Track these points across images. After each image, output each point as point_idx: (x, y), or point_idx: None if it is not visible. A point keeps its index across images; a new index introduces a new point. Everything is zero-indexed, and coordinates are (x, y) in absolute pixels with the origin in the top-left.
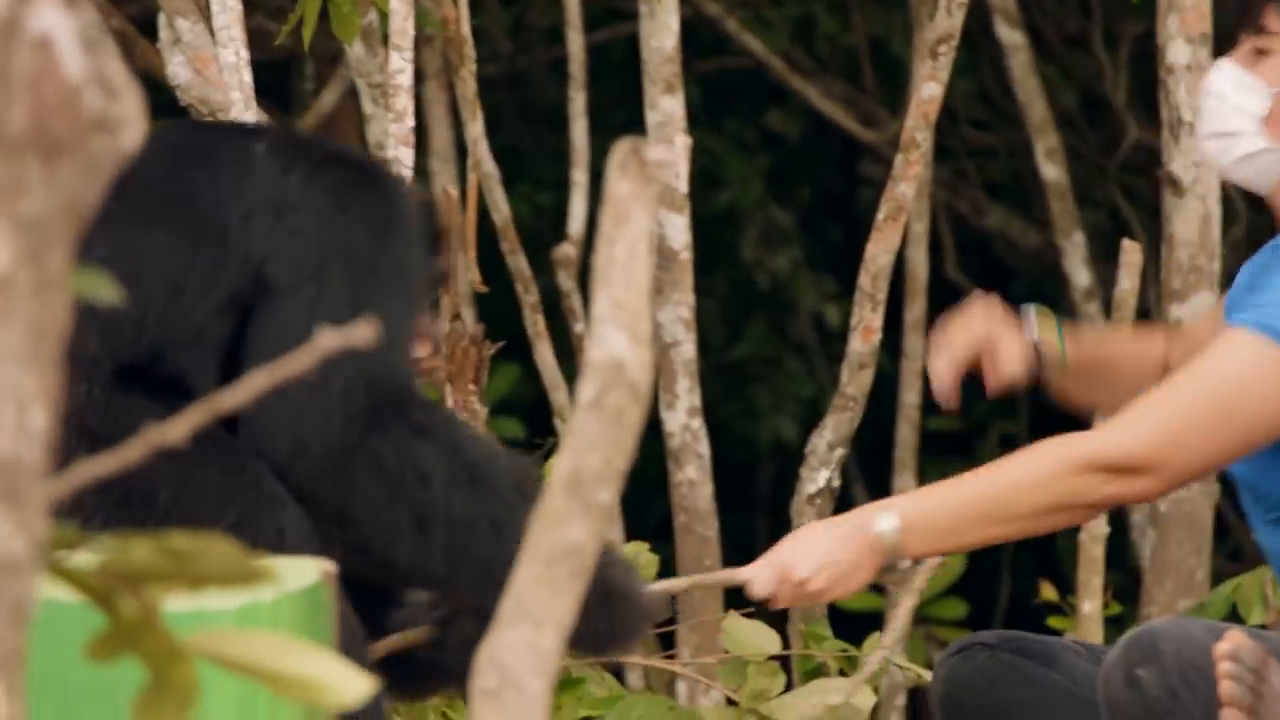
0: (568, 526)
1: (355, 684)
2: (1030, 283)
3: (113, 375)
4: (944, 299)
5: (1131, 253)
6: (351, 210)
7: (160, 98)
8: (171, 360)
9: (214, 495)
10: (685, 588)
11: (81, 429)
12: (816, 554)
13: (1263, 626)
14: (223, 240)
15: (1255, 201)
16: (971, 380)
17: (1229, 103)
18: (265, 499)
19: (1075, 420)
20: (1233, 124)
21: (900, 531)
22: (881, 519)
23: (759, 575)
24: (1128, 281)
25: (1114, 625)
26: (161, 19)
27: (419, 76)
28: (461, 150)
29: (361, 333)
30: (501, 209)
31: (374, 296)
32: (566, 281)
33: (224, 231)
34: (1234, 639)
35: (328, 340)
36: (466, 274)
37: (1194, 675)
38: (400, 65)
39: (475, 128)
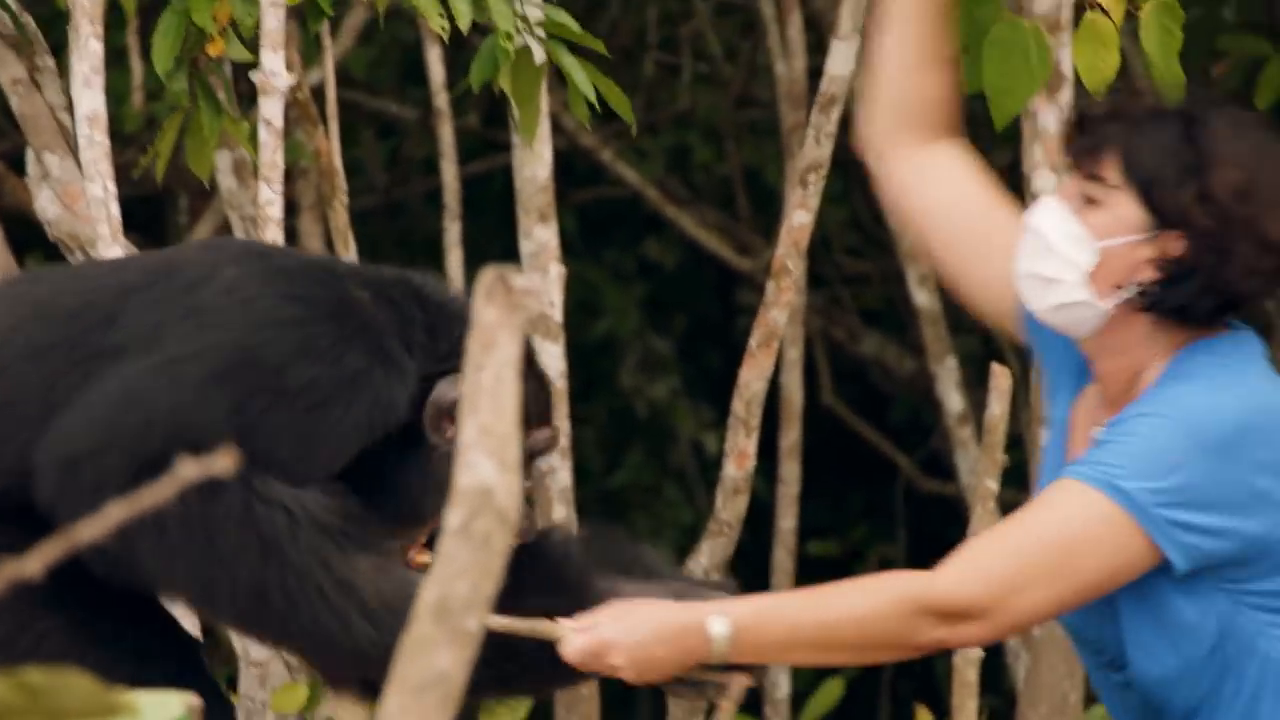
0: (436, 654)
1: None
2: (906, 409)
3: None
4: (820, 425)
5: (1001, 378)
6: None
7: (30, 233)
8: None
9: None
10: (503, 628)
11: None
12: (635, 643)
13: None
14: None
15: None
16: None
17: (1052, 249)
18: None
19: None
20: (1054, 271)
21: (730, 640)
22: (715, 624)
23: (574, 641)
24: (998, 406)
25: None
26: (30, 154)
27: (294, 208)
28: None
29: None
30: None
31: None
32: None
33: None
34: None
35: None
36: None
37: None
38: (270, 197)
39: (347, 257)
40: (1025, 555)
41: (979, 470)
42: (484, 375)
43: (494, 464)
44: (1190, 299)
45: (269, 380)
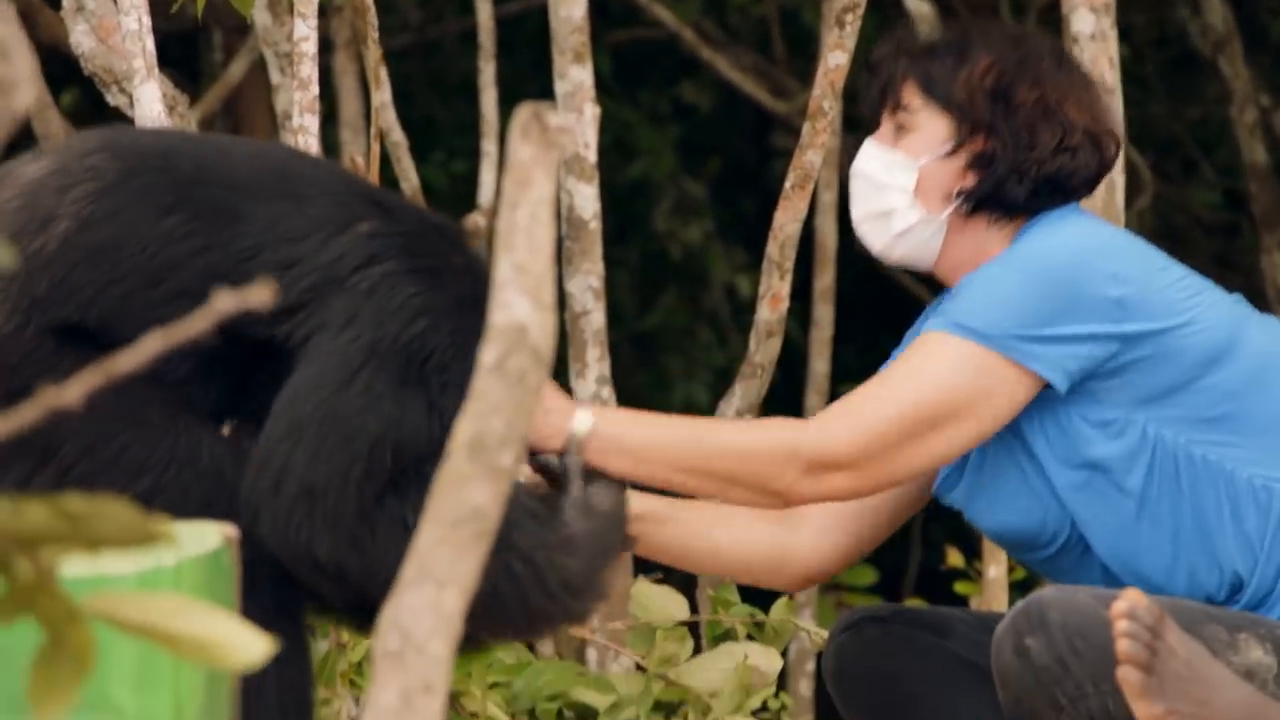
0: (470, 489)
1: (255, 645)
2: None
3: (51, 323)
4: (853, 269)
5: None
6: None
7: (64, 68)
8: (116, 336)
9: (129, 461)
10: None
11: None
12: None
13: None
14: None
15: (1158, 172)
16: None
17: (879, 183)
18: (182, 469)
19: None
20: (886, 202)
21: (591, 429)
22: (582, 410)
23: None
24: None
25: (1019, 590)
26: None
27: (328, 45)
28: (371, 120)
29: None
30: (410, 178)
31: (429, 386)
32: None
33: (273, 265)
34: (1131, 597)
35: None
36: None
37: (1081, 643)
38: (305, 33)
39: (380, 95)
40: (896, 408)
41: None
42: (519, 213)
43: (528, 302)
44: (1001, 185)
45: (442, 376)
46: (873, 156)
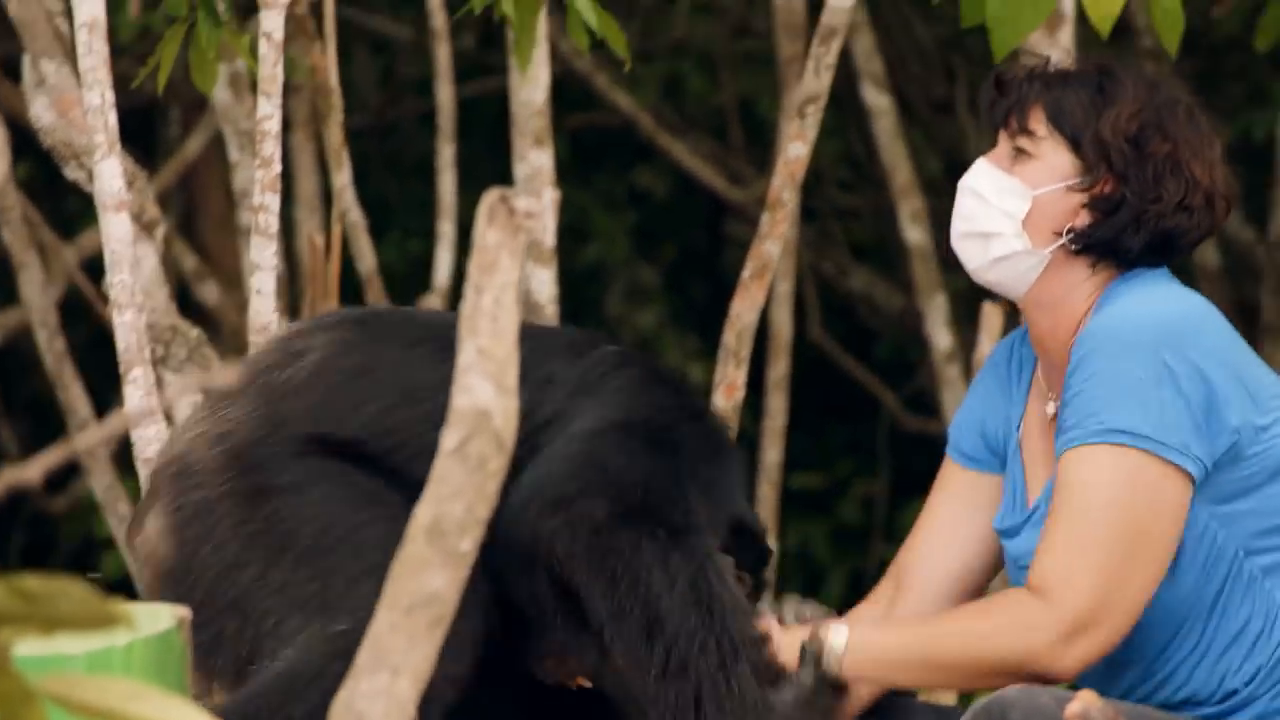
0: (428, 574)
1: None
2: (893, 345)
3: (298, 434)
4: (806, 359)
5: (991, 316)
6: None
7: (20, 140)
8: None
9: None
10: None
11: None
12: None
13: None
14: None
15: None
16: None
17: (988, 203)
18: None
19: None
20: (991, 225)
21: (845, 645)
22: (836, 630)
23: None
24: (987, 344)
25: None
26: (26, 60)
27: (286, 125)
28: (328, 200)
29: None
30: (367, 258)
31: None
32: None
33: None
34: (1085, 699)
35: None
36: None
37: None
38: (268, 111)
39: (342, 176)
40: (1103, 543)
41: None
42: (484, 298)
43: (492, 386)
44: (1120, 233)
45: (671, 444)
46: (985, 175)
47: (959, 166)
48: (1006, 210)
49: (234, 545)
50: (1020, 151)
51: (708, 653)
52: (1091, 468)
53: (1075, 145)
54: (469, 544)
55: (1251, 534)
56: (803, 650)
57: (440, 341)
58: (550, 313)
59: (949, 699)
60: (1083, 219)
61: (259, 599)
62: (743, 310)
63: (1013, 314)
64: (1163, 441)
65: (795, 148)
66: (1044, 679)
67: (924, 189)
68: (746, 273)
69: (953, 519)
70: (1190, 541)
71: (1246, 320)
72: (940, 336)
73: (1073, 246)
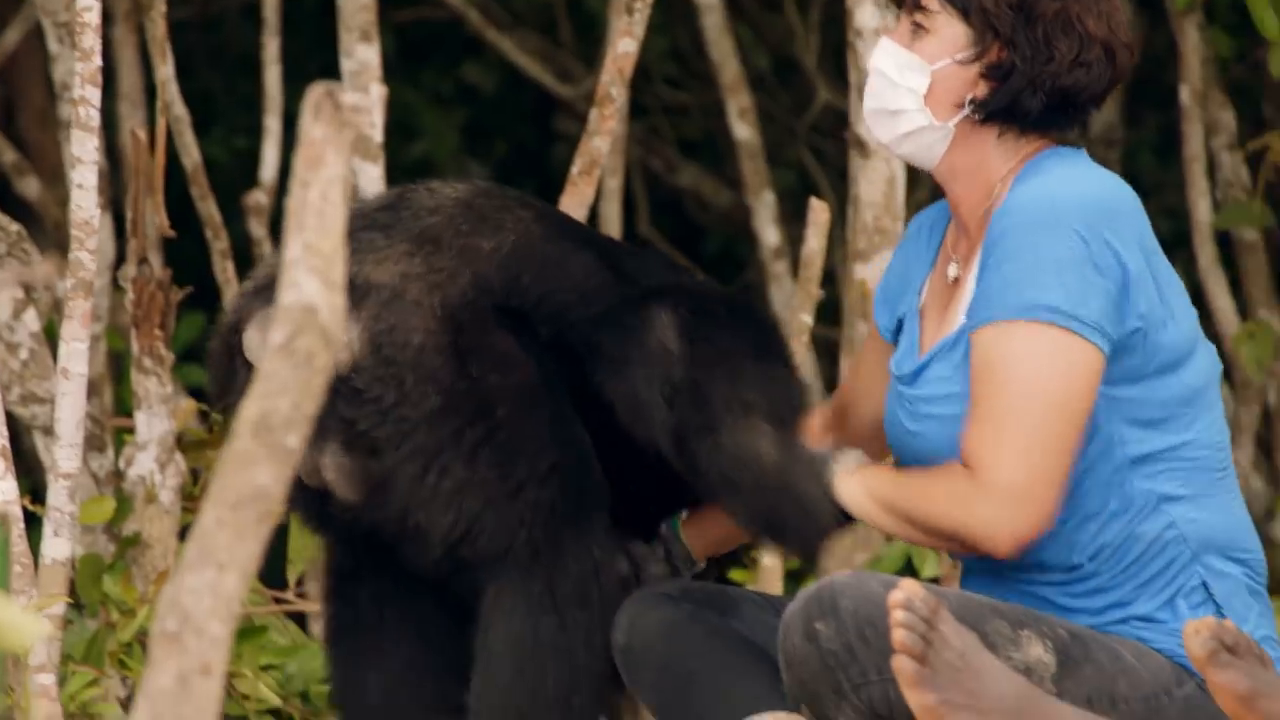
0: (255, 470)
1: (31, 627)
2: (721, 241)
3: (497, 303)
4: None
5: (819, 212)
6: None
7: None
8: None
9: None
10: None
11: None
12: None
13: (936, 580)
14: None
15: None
16: None
17: (892, 81)
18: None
19: None
20: (897, 102)
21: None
22: (851, 455)
23: None
24: (815, 241)
25: (792, 578)
26: None
27: (107, 19)
28: (151, 94)
29: None
30: (192, 153)
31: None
32: (258, 229)
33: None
34: (907, 588)
35: None
36: (153, 218)
37: (870, 630)
38: (88, 3)
39: (165, 70)
40: (1023, 417)
41: (794, 304)
42: (310, 193)
43: (318, 282)
44: (1017, 97)
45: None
46: (888, 53)
47: (787, 63)
48: (909, 87)
49: (440, 398)
50: (918, 27)
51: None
52: (1011, 344)
53: (965, 16)
54: (295, 439)
55: (1128, 421)
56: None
57: (601, 247)
58: None
59: (777, 588)
60: (981, 89)
61: (448, 454)
62: (572, 206)
63: (840, 210)
64: (1080, 319)
65: (624, 44)
66: (992, 550)
67: (752, 85)
68: (575, 169)
69: (870, 379)
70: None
71: None
72: (768, 233)
73: (976, 117)
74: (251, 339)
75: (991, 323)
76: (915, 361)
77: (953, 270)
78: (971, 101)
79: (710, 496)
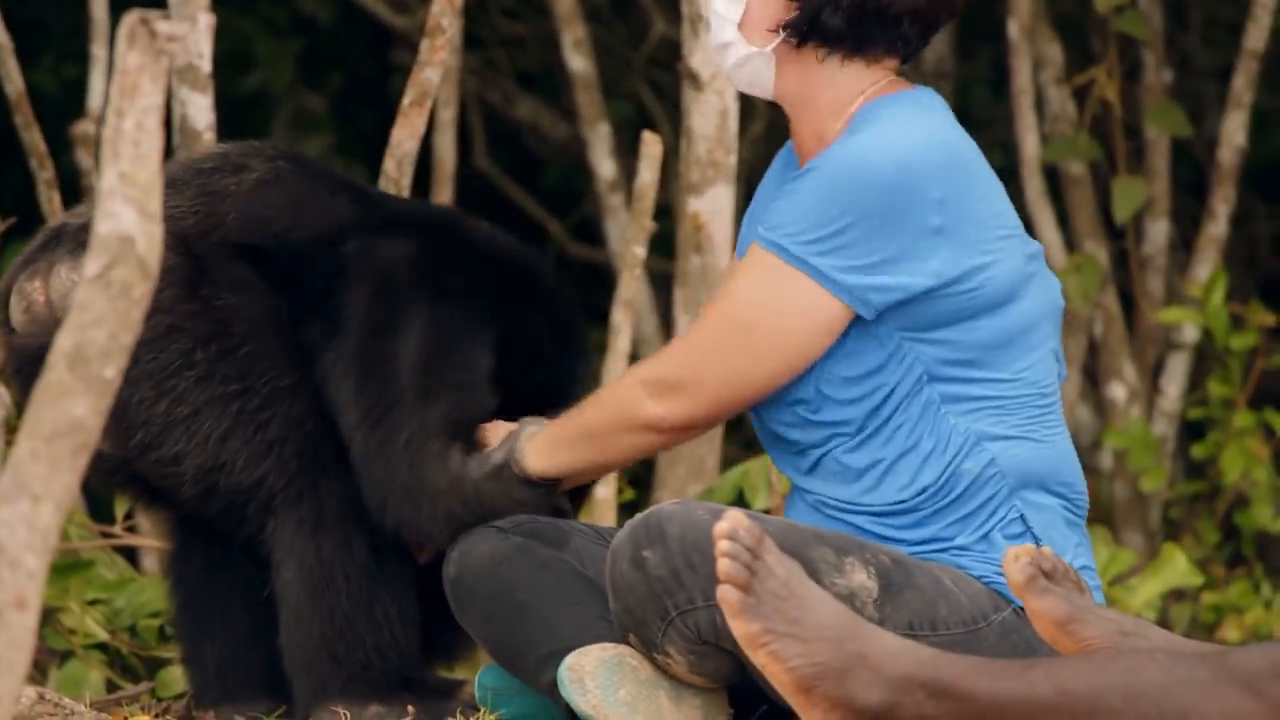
0: (70, 402)
1: None
2: (559, 174)
3: (234, 240)
4: (473, 187)
5: (651, 145)
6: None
7: None
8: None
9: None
10: None
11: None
12: None
13: (766, 510)
14: None
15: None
16: None
17: (719, 15)
18: None
19: (594, 313)
20: (722, 34)
21: (529, 436)
22: (529, 429)
23: None
24: (648, 173)
25: (627, 510)
26: None
27: None
28: None
29: None
30: (15, 81)
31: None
32: (85, 159)
33: None
34: (732, 519)
35: None
36: None
37: (696, 556)
38: None
39: None
40: (712, 322)
41: (628, 237)
42: (126, 122)
43: (134, 212)
44: (817, 13)
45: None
46: None
47: None
48: (730, 18)
49: (166, 318)
50: None
51: (404, 404)
52: (746, 262)
53: None
54: (112, 371)
55: (942, 361)
56: (505, 439)
57: (356, 192)
58: (208, 140)
59: (610, 520)
60: (790, 11)
61: (180, 378)
62: (403, 138)
63: (674, 145)
64: (818, 269)
65: None
66: (655, 431)
67: (587, 17)
68: (406, 100)
69: None
70: (872, 353)
71: None
72: (604, 165)
73: (791, 40)
74: (60, 279)
75: (753, 239)
76: None
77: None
78: (784, 26)
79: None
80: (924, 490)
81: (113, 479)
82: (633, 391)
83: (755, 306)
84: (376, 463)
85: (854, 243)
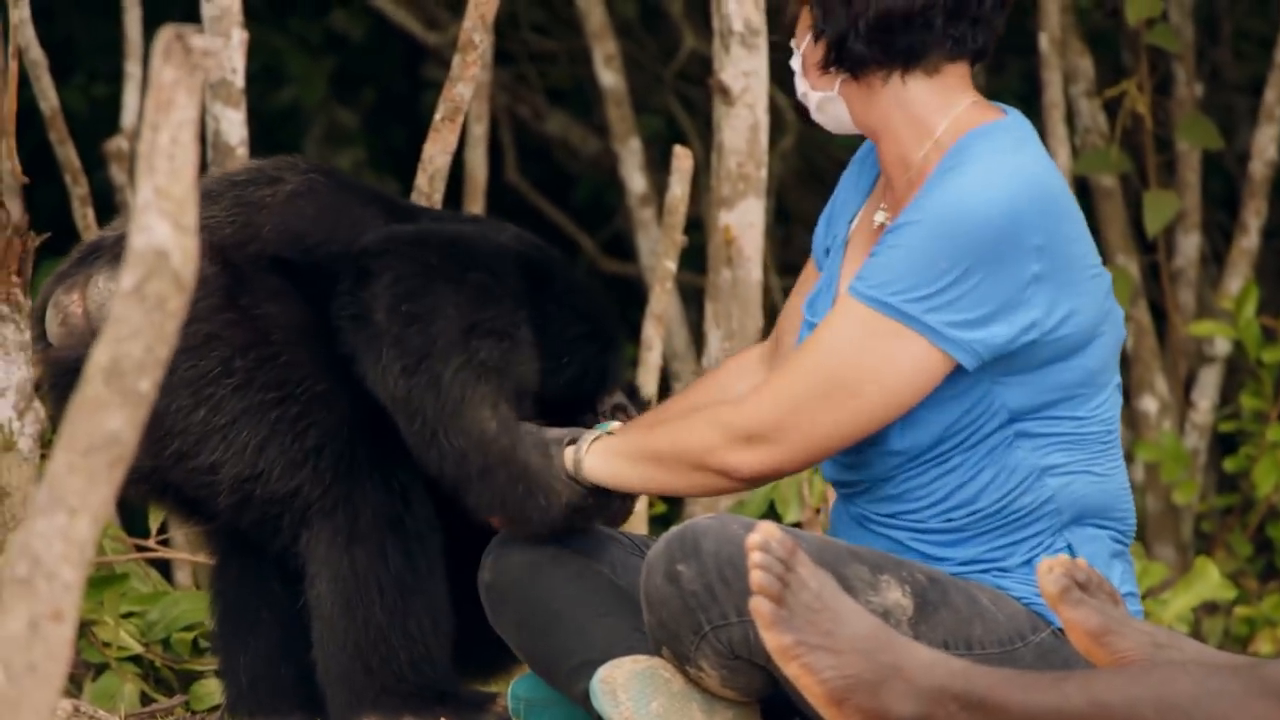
0: (107, 415)
1: None
2: (590, 188)
3: (268, 253)
4: (504, 202)
5: (683, 159)
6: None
7: None
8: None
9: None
10: None
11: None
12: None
13: (798, 524)
14: None
15: (804, 114)
16: None
17: (794, 70)
18: None
19: (626, 327)
20: (800, 88)
21: (587, 450)
22: (584, 439)
23: None
24: (679, 187)
25: (658, 523)
26: None
27: None
28: (7, 39)
29: None
30: (50, 98)
31: None
32: (119, 175)
33: None
34: (765, 530)
35: None
36: (6, 162)
37: (730, 572)
38: None
39: (19, 11)
40: (805, 377)
41: (659, 251)
42: (160, 136)
43: (169, 226)
44: (843, 45)
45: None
46: (794, 49)
47: (652, 11)
48: (798, 70)
49: (205, 327)
50: (794, 15)
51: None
52: (842, 316)
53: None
54: (148, 384)
55: (1026, 403)
56: (569, 429)
57: (388, 204)
58: (241, 155)
59: (641, 530)
60: (823, 50)
61: (218, 385)
62: (435, 153)
63: (705, 159)
64: (931, 326)
65: None
66: (726, 477)
67: (618, 32)
68: (438, 115)
69: (798, 310)
70: (962, 398)
71: None
72: (635, 180)
73: (842, 76)
74: (98, 291)
75: (846, 294)
76: (829, 300)
77: (879, 217)
78: (819, 66)
79: (442, 479)
80: (975, 513)
81: (145, 488)
82: (713, 434)
83: (859, 366)
84: (426, 397)
85: (963, 296)
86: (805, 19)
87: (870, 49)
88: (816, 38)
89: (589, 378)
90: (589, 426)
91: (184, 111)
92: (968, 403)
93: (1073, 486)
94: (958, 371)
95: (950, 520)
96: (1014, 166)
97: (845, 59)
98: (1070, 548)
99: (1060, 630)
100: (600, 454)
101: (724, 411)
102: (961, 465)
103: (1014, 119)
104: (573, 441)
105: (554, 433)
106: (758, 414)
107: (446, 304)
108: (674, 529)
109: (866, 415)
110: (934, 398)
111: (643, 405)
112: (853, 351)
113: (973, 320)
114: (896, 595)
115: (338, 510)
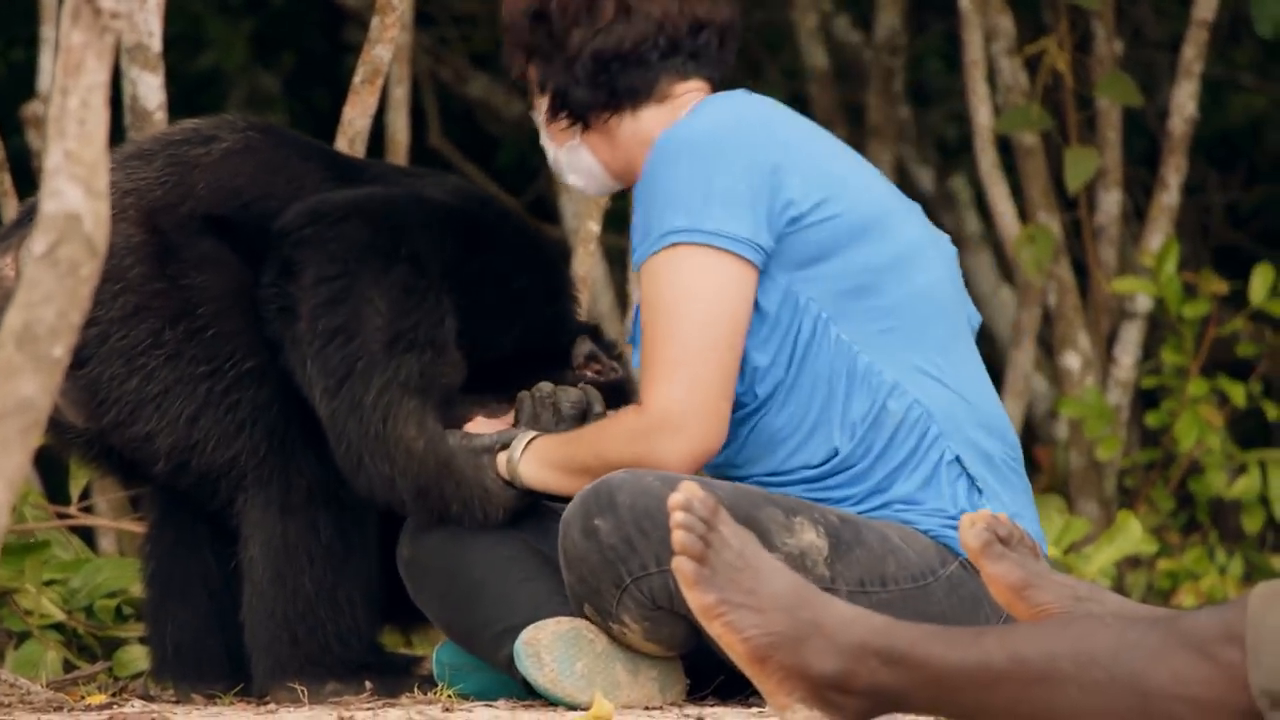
0: (19, 381)
1: None
2: (513, 151)
3: (203, 211)
4: (427, 165)
5: None
6: None
7: None
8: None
9: None
10: None
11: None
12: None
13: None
14: None
15: None
16: None
17: (542, 137)
18: None
19: None
20: (547, 150)
21: (520, 455)
22: (520, 439)
23: None
24: None
25: None
26: None
27: None
28: None
29: None
30: None
31: None
32: (36, 140)
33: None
34: (687, 489)
35: None
36: None
37: (648, 524)
38: None
39: None
40: (663, 345)
41: (582, 213)
42: (71, 100)
43: (81, 191)
44: (567, 94)
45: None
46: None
47: None
48: (542, 132)
49: (134, 297)
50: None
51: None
52: (652, 279)
53: (526, 56)
54: (61, 349)
55: (833, 294)
56: (499, 431)
57: (329, 159)
58: (159, 120)
59: None
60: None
61: (150, 356)
62: (354, 116)
63: None
64: (712, 231)
65: None
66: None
67: None
68: (357, 78)
69: None
70: (771, 309)
71: (853, 121)
72: None
73: (577, 128)
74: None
75: (638, 266)
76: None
77: None
78: (547, 119)
79: (374, 500)
80: (854, 430)
81: (88, 453)
82: (633, 444)
83: (689, 299)
84: (349, 422)
85: (711, 195)
86: (534, 76)
87: (594, 93)
88: (543, 91)
89: (541, 329)
90: (568, 384)
91: (94, 75)
92: (776, 301)
93: (934, 391)
94: (761, 282)
95: (837, 451)
96: (730, 101)
97: (573, 107)
98: (959, 459)
99: (968, 562)
100: (534, 464)
101: (627, 420)
102: (816, 383)
103: (739, 92)
104: (504, 446)
105: (484, 439)
106: (656, 402)
107: (369, 310)
108: (588, 486)
109: (736, 344)
110: (754, 326)
111: (609, 348)
112: (688, 294)
113: (738, 212)
114: (811, 536)
115: (273, 481)
